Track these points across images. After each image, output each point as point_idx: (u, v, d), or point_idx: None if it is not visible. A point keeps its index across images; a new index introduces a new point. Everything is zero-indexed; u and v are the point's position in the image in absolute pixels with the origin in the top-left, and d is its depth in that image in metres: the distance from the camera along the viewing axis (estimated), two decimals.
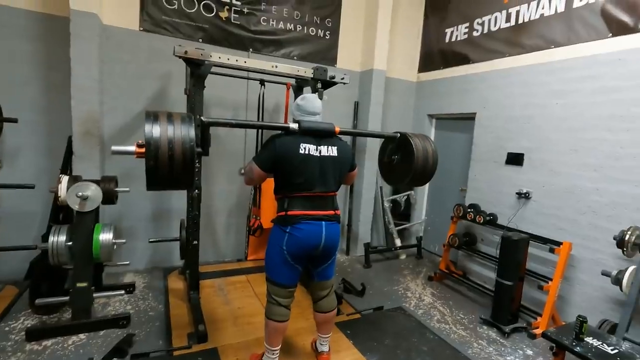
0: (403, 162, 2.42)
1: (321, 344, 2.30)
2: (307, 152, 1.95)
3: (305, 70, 2.98)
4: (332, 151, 2.03)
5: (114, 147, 1.71)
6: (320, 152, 1.99)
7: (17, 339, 2.33)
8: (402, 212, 4.78)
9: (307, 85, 3.29)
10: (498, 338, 2.80)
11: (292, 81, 3.38)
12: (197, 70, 2.62)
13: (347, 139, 4.45)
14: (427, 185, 4.80)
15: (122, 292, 2.66)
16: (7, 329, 2.45)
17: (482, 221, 3.47)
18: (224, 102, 3.74)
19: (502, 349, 2.66)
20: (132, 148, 1.65)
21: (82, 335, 2.42)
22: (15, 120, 2.77)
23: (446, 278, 3.87)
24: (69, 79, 2.88)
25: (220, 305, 2.97)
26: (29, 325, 2.46)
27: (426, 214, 4.86)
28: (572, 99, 3.04)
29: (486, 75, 3.82)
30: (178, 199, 3.58)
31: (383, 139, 2.71)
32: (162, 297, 3.06)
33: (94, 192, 2.48)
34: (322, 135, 2.04)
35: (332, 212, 2.04)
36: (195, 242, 2.87)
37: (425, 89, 4.75)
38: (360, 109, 4.47)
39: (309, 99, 2.11)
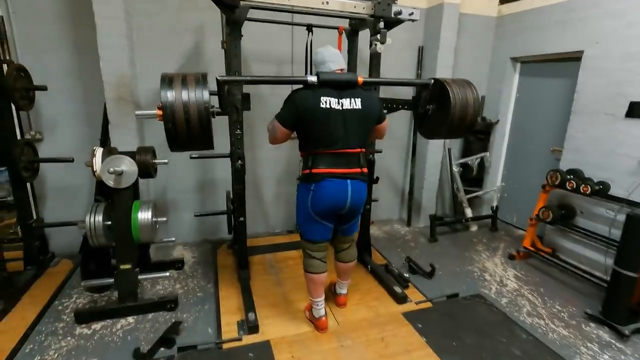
0: (439, 112, 2.15)
1: (340, 288, 2.44)
2: (328, 105, 1.83)
3: (364, 6, 2.34)
4: (356, 104, 1.89)
5: (137, 112, 1.81)
6: (342, 106, 1.87)
7: (68, 320, 2.25)
8: (474, 178, 4.09)
9: (365, 27, 2.67)
10: (613, 341, 2.22)
11: (346, 23, 2.77)
12: (232, 16, 2.14)
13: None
14: (504, 146, 4.04)
15: (167, 273, 2.47)
16: (60, 307, 2.39)
17: (588, 191, 2.74)
18: (265, 56, 3.24)
19: (622, 357, 2.09)
20: (154, 112, 1.64)
21: (130, 319, 2.28)
22: (44, 88, 2.54)
23: (531, 257, 3.26)
24: (96, 37, 2.55)
25: (271, 286, 2.70)
26: (79, 306, 2.38)
27: (503, 180, 4.14)
28: None
29: None
30: (222, 168, 3.28)
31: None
32: (212, 274, 2.87)
33: (128, 166, 2.21)
34: (344, 86, 1.90)
35: (358, 170, 1.96)
36: (242, 219, 2.57)
37: (508, 25, 3.81)
38: (425, 55, 3.73)
39: (322, 49, 2.02)
